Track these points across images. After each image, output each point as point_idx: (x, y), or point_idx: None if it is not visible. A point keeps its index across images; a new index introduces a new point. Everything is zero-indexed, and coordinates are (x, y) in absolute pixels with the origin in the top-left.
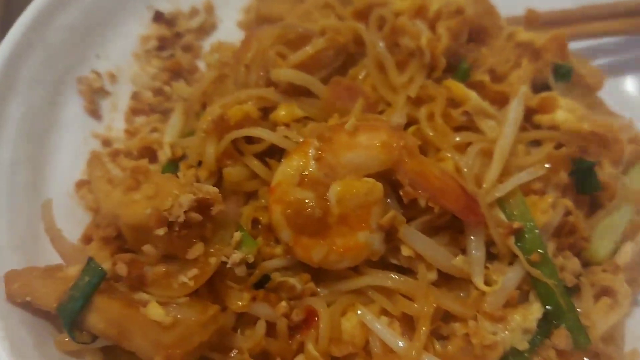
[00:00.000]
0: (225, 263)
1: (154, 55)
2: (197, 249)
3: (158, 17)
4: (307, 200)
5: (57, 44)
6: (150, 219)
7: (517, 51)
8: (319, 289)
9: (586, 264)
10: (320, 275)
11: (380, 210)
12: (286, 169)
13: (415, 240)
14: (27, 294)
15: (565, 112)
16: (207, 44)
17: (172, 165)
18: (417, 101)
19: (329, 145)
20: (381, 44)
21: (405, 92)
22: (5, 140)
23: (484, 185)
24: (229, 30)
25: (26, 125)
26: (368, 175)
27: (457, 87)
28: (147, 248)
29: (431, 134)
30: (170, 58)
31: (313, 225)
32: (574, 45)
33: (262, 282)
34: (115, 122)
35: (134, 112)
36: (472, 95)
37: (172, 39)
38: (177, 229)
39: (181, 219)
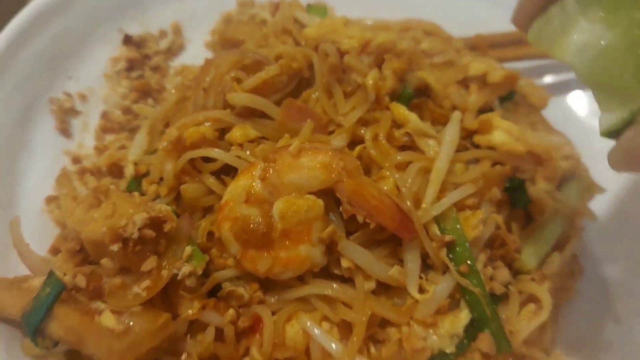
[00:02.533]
0: (177, 275)
1: (123, 76)
2: (150, 263)
3: (127, 39)
4: (252, 217)
5: (30, 68)
6: (106, 236)
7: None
8: (267, 297)
9: (517, 272)
10: (269, 284)
11: (321, 225)
12: (234, 188)
13: (353, 253)
14: None
15: (502, 132)
16: (176, 63)
17: (136, 181)
18: (364, 123)
19: (274, 166)
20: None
21: (349, 118)
22: None
23: (423, 205)
24: (196, 51)
25: None
26: (310, 193)
27: (398, 110)
28: (104, 261)
29: (374, 153)
30: (139, 78)
31: (258, 240)
32: (520, 64)
33: (215, 291)
34: (86, 140)
35: (104, 130)
36: (412, 117)
37: (141, 60)
38: (131, 244)
39: (135, 235)
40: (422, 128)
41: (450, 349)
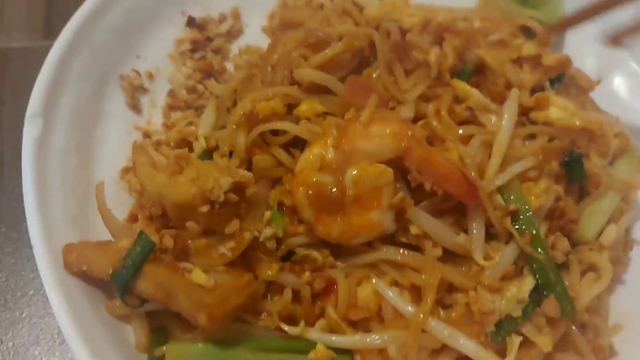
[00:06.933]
0: (257, 238)
1: (187, 56)
2: (233, 225)
3: (191, 22)
4: (326, 183)
5: (101, 44)
6: (195, 198)
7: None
8: (337, 263)
9: (575, 243)
10: (339, 251)
11: (391, 192)
12: (308, 156)
13: (422, 220)
14: (83, 264)
15: (558, 109)
16: (235, 47)
17: (206, 155)
18: (425, 99)
19: (346, 135)
20: (390, 53)
21: (411, 93)
22: (58, 128)
23: (487, 175)
24: (254, 35)
25: (75, 116)
26: (380, 162)
27: (459, 86)
28: (190, 224)
29: (437, 126)
30: (202, 59)
31: (331, 205)
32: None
33: (288, 257)
34: (154, 116)
35: (171, 108)
36: (474, 91)
37: (203, 42)
38: (217, 207)
39: (221, 198)
40: (484, 102)
41: (516, 314)
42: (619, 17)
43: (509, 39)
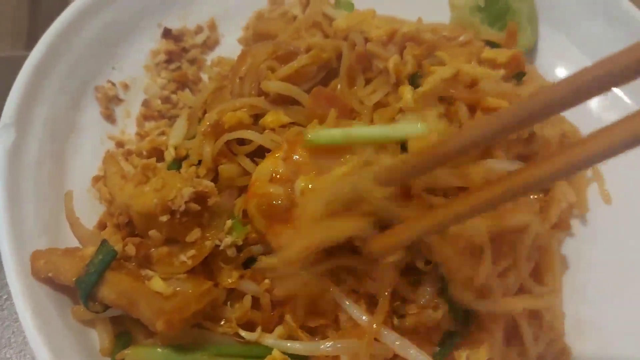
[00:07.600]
0: (218, 246)
1: (163, 67)
2: (195, 234)
3: (166, 33)
4: (276, 194)
5: (78, 55)
6: (157, 208)
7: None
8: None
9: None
10: None
11: None
12: (261, 168)
13: None
14: (49, 270)
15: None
16: (211, 57)
17: (176, 164)
18: (383, 106)
19: (294, 148)
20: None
21: (370, 99)
22: (32, 139)
23: None
24: (230, 46)
25: (50, 127)
26: None
27: (405, 90)
28: (153, 232)
29: None
30: (177, 70)
31: (282, 216)
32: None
33: (249, 264)
34: (127, 126)
35: (145, 117)
36: (408, 95)
37: (179, 53)
38: (178, 216)
39: (182, 208)
40: (409, 104)
41: (453, 327)
42: (591, 28)
43: (472, 44)
